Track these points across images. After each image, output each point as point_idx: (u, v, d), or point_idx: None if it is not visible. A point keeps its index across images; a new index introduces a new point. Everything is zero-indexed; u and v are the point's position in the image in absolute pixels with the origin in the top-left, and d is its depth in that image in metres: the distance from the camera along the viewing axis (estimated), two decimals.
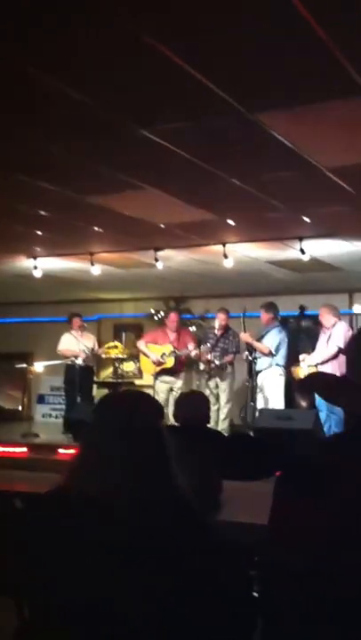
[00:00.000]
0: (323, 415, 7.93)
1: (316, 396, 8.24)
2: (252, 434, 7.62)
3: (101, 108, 4.17)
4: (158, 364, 9.53)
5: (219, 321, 9.57)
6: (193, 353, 9.39)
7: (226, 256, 8.11)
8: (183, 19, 3.14)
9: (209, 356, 9.39)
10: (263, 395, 8.82)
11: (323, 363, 8.37)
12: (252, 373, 8.87)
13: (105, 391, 11.76)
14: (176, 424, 4.35)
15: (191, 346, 9.37)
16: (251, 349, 8.89)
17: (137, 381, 12.67)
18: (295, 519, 1.58)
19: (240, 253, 8.39)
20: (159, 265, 8.58)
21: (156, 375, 9.66)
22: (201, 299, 12.03)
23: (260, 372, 8.81)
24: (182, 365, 9.73)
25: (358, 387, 1.71)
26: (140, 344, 9.99)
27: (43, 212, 6.75)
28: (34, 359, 12.61)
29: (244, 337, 8.96)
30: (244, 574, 2.92)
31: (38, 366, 11.81)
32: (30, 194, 6.07)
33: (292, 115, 4.27)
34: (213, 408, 8.94)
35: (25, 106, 4.21)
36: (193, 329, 10.69)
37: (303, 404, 9.55)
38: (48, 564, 1.89)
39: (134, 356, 12.59)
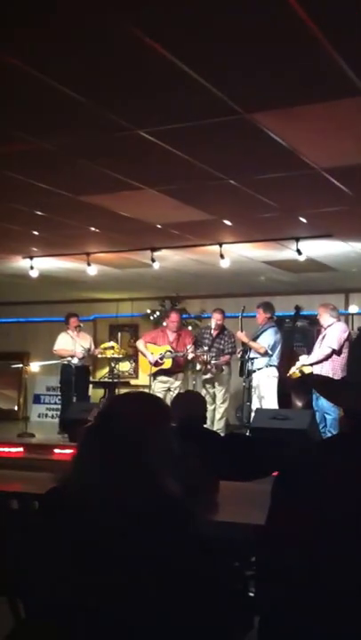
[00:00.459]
0: (318, 415, 7.95)
1: (314, 396, 8.30)
2: (248, 434, 7.62)
3: (98, 108, 4.17)
4: (156, 364, 9.53)
5: (215, 321, 9.57)
6: (190, 356, 9.38)
7: (222, 256, 8.12)
8: (182, 19, 3.14)
9: (205, 357, 9.39)
10: (257, 394, 8.82)
11: (316, 363, 8.36)
12: (244, 373, 8.89)
13: (101, 391, 11.79)
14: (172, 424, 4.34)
15: (190, 347, 9.37)
16: (246, 349, 8.90)
17: (133, 381, 12.68)
18: (293, 519, 1.58)
19: (236, 253, 8.40)
20: (155, 265, 8.58)
21: (154, 375, 9.65)
22: (197, 299, 12.04)
23: (254, 371, 8.81)
24: (181, 366, 9.72)
25: (359, 386, 1.72)
26: (140, 344, 9.98)
27: (39, 212, 6.74)
28: (30, 359, 12.62)
29: (240, 336, 8.96)
30: (240, 574, 2.92)
31: (34, 366, 11.82)
32: (27, 194, 6.06)
33: (289, 115, 4.27)
34: (210, 408, 8.96)
35: (21, 104, 4.21)
36: (189, 329, 10.70)
37: (299, 403, 9.56)
38: (43, 565, 1.89)
39: (130, 356, 12.60)
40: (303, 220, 6.90)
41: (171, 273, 9.81)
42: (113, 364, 11.49)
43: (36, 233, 7.65)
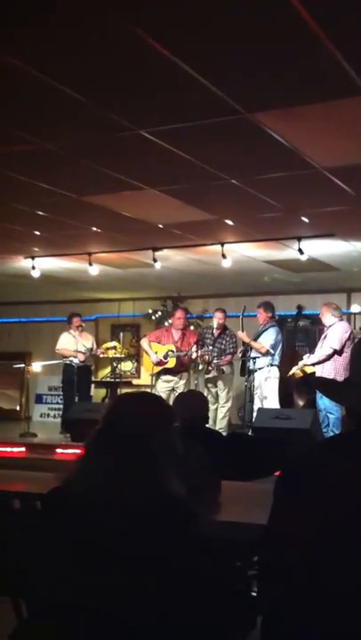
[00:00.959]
0: (321, 415, 7.94)
1: (317, 395, 8.28)
2: (250, 433, 7.62)
3: (99, 108, 4.17)
4: (159, 363, 9.52)
5: (216, 320, 9.56)
6: (194, 355, 9.37)
7: (224, 256, 8.11)
8: (183, 19, 3.14)
9: (207, 356, 9.38)
10: (259, 394, 8.82)
11: (318, 363, 8.34)
12: (246, 372, 8.88)
13: (103, 391, 11.79)
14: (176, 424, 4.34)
15: (194, 347, 9.36)
16: (247, 348, 8.89)
17: (135, 381, 12.69)
18: (294, 519, 1.58)
19: (238, 253, 8.40)
20: (157, 265, 8.58)
21: (158, 375, 9.63)
22: (199, 299, 12.04)
23: (255, 371, 8.81)
24: (185, 365, 9.70)
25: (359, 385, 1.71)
26: (144, 342, 9.92)
27: (41, 213, 6.75)
28: (32, 359, 12.64)
29: (242, 335, 8.96)
30: (242, 574, 2.92)
31: (36, 366, 11.83)
32: (28, 194, 6.07)
33: (291, 115, 4.27)
34: (212, 407, 8.95)
35: (22, 105, 4.21)
36: (191, 328, 10.69)
37: (301, 403, 9.55)
38: (44, 564, 1.89)
39: (132, 355, 12.59)
40: (305, 220, 6.89)
41: (172, 273, 9.81)
42: (115, 364, 11.50)
43: (37, 233, 7.66)
